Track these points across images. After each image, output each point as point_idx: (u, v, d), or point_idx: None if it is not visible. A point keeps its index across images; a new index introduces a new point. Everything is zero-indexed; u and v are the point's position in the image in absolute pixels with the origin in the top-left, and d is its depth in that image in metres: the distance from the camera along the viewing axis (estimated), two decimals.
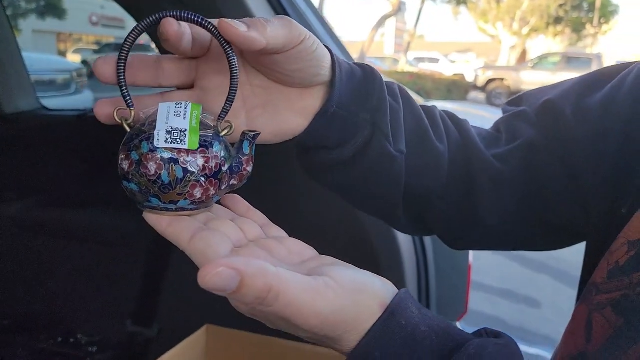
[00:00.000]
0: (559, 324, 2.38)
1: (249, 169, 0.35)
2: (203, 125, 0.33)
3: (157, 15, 0.31)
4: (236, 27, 0.30)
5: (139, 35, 0.32)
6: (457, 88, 12.79)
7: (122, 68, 0.32)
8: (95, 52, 17.54)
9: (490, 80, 13.35)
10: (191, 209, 0.33)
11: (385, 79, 0.43)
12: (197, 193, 0.32)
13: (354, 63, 0.42)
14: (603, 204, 0.41)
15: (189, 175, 0.31)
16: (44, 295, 1.46)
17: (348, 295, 0.29)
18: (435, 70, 16.50)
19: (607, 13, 24.69)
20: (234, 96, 0.33)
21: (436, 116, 0.46)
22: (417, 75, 12.94)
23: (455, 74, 15.47)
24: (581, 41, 25.71)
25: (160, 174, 0.31)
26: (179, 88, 0.38)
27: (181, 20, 0.31)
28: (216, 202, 0.36)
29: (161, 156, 0.31)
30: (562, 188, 0.44)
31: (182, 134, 0.31)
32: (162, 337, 1.30)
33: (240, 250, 0.32)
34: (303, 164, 0.44)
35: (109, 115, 0.34)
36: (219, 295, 0.26)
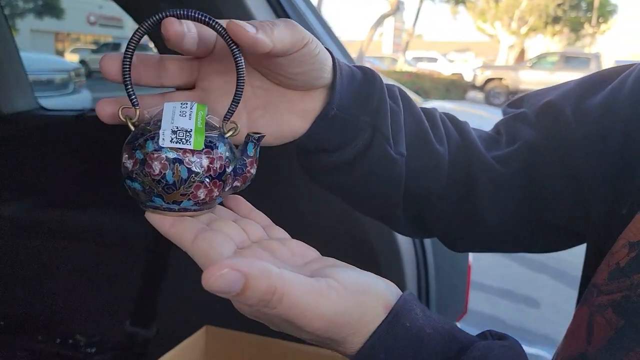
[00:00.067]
0: (559, 323, 2.39)
1: (253, 171, 0.35)
2: (208, 126, 0.32)
3: (163, 14, 0.31)
4: (245, 29, 0.30)
5: (145, 33, 0.32)
6: (455, 87, 12.80)
7: (128, 67, 0.32)
8: (93, 51, 17.53)
9: (489, 80, 13.36)
10: (194, 210, 0.33)
11: (384, 80, 0.43)
12: (201, 194, 0.32)
13: (354, 65, 0.42)
14: (603, 205, 0.41)
15: (193, 175, 0.31)
16: (42, 295, 1.46)
17: (352, 297, 0.29)
18: (433, 69, 16.51)
19: (606, 12, 24.73)
20: (240, 97, 0.33)
21: (436, 118, 0.46)
22: (416, 74, 12.95)
23: (453, 74, 15.49)
24: (579, 41, 25.75)
25: (164, 173, 0.31)
26: (179, 88, 0.38)
27: (189, 19, 0.31)
28: (219, 203, 0.35)
29: (166, 156, 0.31)
30: (562, 189, 0.44)
31: (188, 134, 0.31)
32: (161, 338, 1.30)
33: (243, 251, 0.31)
34: (303, 166, 0.43)
35: (110, 114, 0.34)
36: (223, 297, 0.26)
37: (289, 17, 0.88)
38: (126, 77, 0.32)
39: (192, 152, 0.31)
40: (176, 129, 0.31)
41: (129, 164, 0.31)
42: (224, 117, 0.34)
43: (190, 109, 0.32)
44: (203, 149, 0.31)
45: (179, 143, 0.31)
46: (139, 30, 0.32)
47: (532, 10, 20.90)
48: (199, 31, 0.33)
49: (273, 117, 0.39)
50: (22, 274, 1.48)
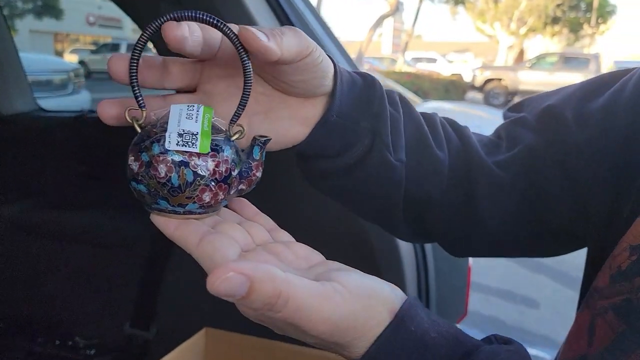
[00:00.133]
0: (558, 324, 2.39)
1: (259, 174, 0.35)
2: (214, 129, 0.32)
3: (169, 15, 0.31)
4: (258, 37, 0.30)
5: (152, 34, 0.32)
6: (454, 88, 12.81)
7: (135, 69, 0.32)
8: (93, 52, 17.54)
9: (488, 80, 13.37)
10: (199, 213, 0.33)
11: (384, 80, 0.43)
12: (206, 197, 0.32)
13: (355, 71, 0.42)
14: (604, 208, 0.41)
15: (199, 179, 0.31)
16: (42, 297, 1.45)
17: (357, 300, 0.29)
18: (432, 70, 16.53)
19: (605, 13, 24.76)
20: (247, 100, 0.33)
21: (436, 123, 0.46)
22: (415, 75, 12.95)
23: (452, 74, 15.50)
24: (579, 41, 25.78)
25: (170, 176, 0.30)
26: (179, 91, 0.38)
27: (199, 22, 0.31)
28: (224, 206, 0.35)
29: (172, 159, 0.30)
30: (562, 192, 0.44)
31: (194, 137, 0.31)
32: (160, 340, 1.29)
33: (247, 254, 0.31)
34: (303, 171, 0.44)
35: (113, 116, 0.34)
36: (227, 300, 0.26)
37: (288, 18, 0.88)
38: (133, 79, 0.32)
39: (198, 155, 0.31)
40: (182, 132, 0.31)
41: (134, 166, 0.31)
42: (230, 120, 0.34)
43: (197, 111, 0.32)
44: (209, 152, 0.31)
45: (185, 146, 0.30)
46: (146, 32, 0.31)
47: (531, 11, 20.92)
48: (204, 34, 0.33)
49: (274, 123, 0.39)
50: (22, 276, 1.48)
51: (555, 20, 22.98)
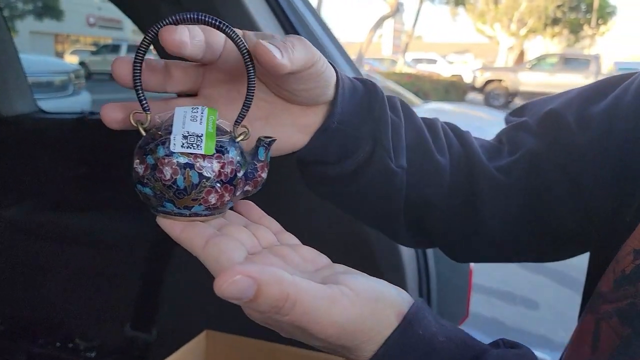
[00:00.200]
0: (558, 325, 2.39)
1: (264, 175, 0.35)
2: (219, 131, 0.32)
3: (172, 18, 0.30)
4: (273, 55, 0.30)
5: (154, 37, 0.31)
6: (455, 89, 12.79)
7: (139, 72, 0.32)
8: (93, 53, 17.56)
9: (488, 82, 13.38)
10: (205, 215, 0.32)
11: (384, 81, 0.43)
12: (212, 199, 0.32)
13: (356, 78, 0.42)
14: (606, 212, 0.41)
15: (204, 180, 0.31)
16: (42, 299, 1.45)
17: (365, 304, 0.29)
18: (433, 71, 16.51)
19: (605, 14, 24.77)
20: (251, 102, 0.33)
21: (438, 128, 0.46)
22: (415, 76, 12.94)
23: (453, 75, 15.48)
24: (579, 42, 25.79)
25: (175, 179, 0.30)
26: (180, 94, 0.38)
27: (201, 24, 0.31)
28: (230, 208, 0.35)
29: (177, 161, 0.30)
30: (564, 195, 0.44)
31: (199, 138, 0.31)
32: (161, 342, 1.29)
33: (254, 257, 0.31)
34: (304, 177, 0.44)
35: (116, 119, 0.34)
36: (234, 303, 0.26)
37: (288, 19, 0.87)
38: (137, 83, 0.32)
39: (203, 157, 0.31)
40: (187, 134, 0.31)
41: (140, 169, 0.31)
42: (235, 121, 0.34)
43: (201, 113, 0.32)
44: (214, 153, 0.31)
45: (190, 148, 0.30)
46: (149, 35, 0.31)
47: (531, 12, 20.93)
48: (207, 37, 0.33)
49: (274, 129, 0.39)
50: (22, 277, 1.48)
51: (555, 22, 22.99)
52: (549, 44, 24.62)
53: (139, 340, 1.32)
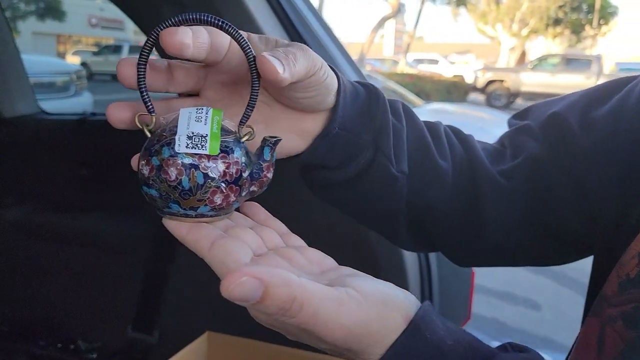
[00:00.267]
0: (559, 326, 2.38)
1: (269, 175, 0.35)
2: (224, 131, 0.32)
3: (175, 18, 0.30)
4: (276, 70, 0.30)
5: (157, 38, 0.31)
6: (456, 89, 12.79)
7: (143, 74, 0.32)
8: (95, 53, 17.59)
9: (490, 82, 13.38)
10: (211, 216, 0.32)
11: (385, 82, 0.43)
12: (218, 199, 0.31)
13: (358, 82, 0.42)
14: (611, 215, 0.41)
15: (209, 181, 0.31)
16: (43, 300, 1.45)
17: (372, 306, 0.29)
18: (434, 71, 16.53)
19: (607, 14, 24.74)
20: (255, 102, 0.33)
21: (440, 132, 0.46)
22: (417, 76, 12.94)
23: (454, 76, 15.47)
24: (580, 43, 25.77)
25: (180, 179, 0.30)
26: (182, 95, 0.38)
27: (205, 24, 0.31)
28: (235, 210, 0.35)
29: (182, 161, 0.30)
30: (569, 197, 0.44)
31: (203, 139, 0.31)
32: (162, 343, 1.29)
33: (260, 258, 0.31)
34: (306, 181, 0.44)
35: (122, 119, 0.34)
36: (241, 305, 0.26)
37: (289, 19, 0.87)
38: (141, 84, 0.32)
39: (208, 157, 0.31)
40: (192, 135, 0.31)
41: (145, 170, 0.31)
42: (240, 121, 0.33)
43: (206, 114, 0.32)
44: (219, 154, 0.31)
45: (195, 148, 0.30)
46: (152, 36, 0.31)
47: (533, 12, 20.92)
48: (213, 39, 0.33)
49: (273, 133, 0.39)
50: (24, 279, 1.48)
51: (557, 22, 22.97)
52: (551, 45, 24.61)
53: (141, 342, 1.32)
